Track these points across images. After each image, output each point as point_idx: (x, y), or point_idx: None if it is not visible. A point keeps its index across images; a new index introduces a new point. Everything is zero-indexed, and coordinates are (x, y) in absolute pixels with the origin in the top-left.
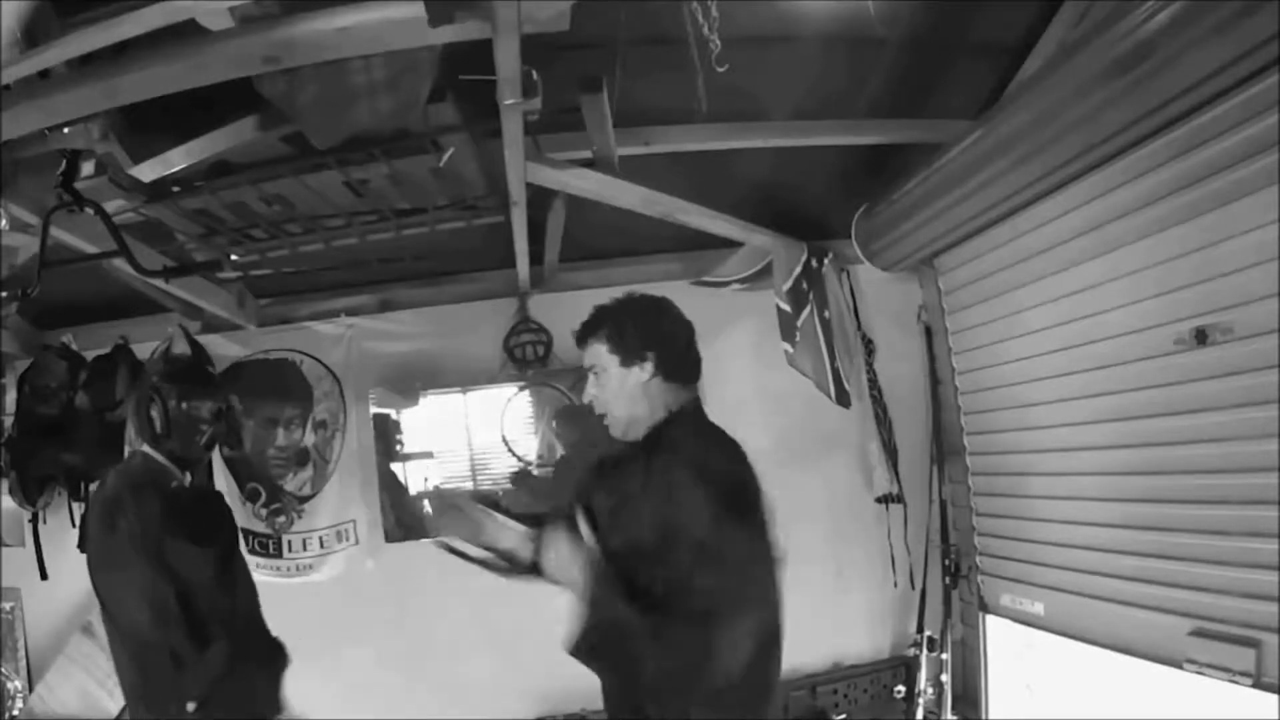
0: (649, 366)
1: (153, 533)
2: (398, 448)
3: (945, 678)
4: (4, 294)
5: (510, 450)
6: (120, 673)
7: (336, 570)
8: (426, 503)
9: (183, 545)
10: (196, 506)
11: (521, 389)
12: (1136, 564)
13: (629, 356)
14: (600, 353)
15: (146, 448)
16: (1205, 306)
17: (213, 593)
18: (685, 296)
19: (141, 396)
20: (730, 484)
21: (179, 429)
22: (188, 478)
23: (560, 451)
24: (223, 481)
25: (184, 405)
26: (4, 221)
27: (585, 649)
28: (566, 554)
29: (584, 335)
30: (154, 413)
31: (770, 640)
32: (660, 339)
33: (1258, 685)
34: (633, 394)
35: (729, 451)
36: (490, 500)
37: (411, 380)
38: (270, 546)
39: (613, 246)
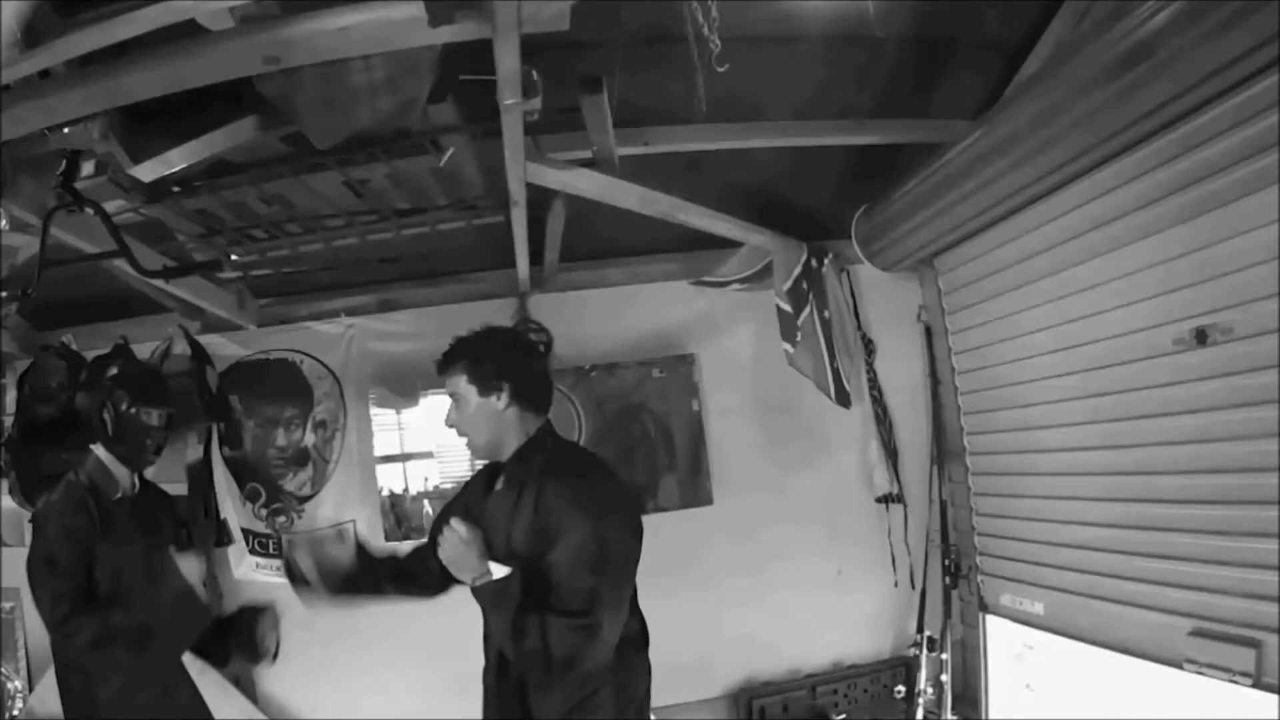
0: (504, 396)
1: (83, 549)
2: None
3: (945, 678)
4: (4, 294)
5: None
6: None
7: None
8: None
9: (113, 557)
10: (132, 521)
11: None
12: (1136, 564)
13: (486, 386)
14: (459, 382)
15: (99, 449)
16: (1205, 306)
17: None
18: (685, 296)
19: (94, 399)
20: (597, 493)
21: (128, 434)
22: (136, 481)
23: None
24: (223, 482)
25: (133, 411)
26: (4, 221)
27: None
28: (461, 543)
29: (444, 365)
30: (105, 416)
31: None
32: (516, 370)
33: (1258, 685)
34: (490, 421)
35: (588, 464)
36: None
37: (411, 380)
38: (270, 546)
39: (613, 247)
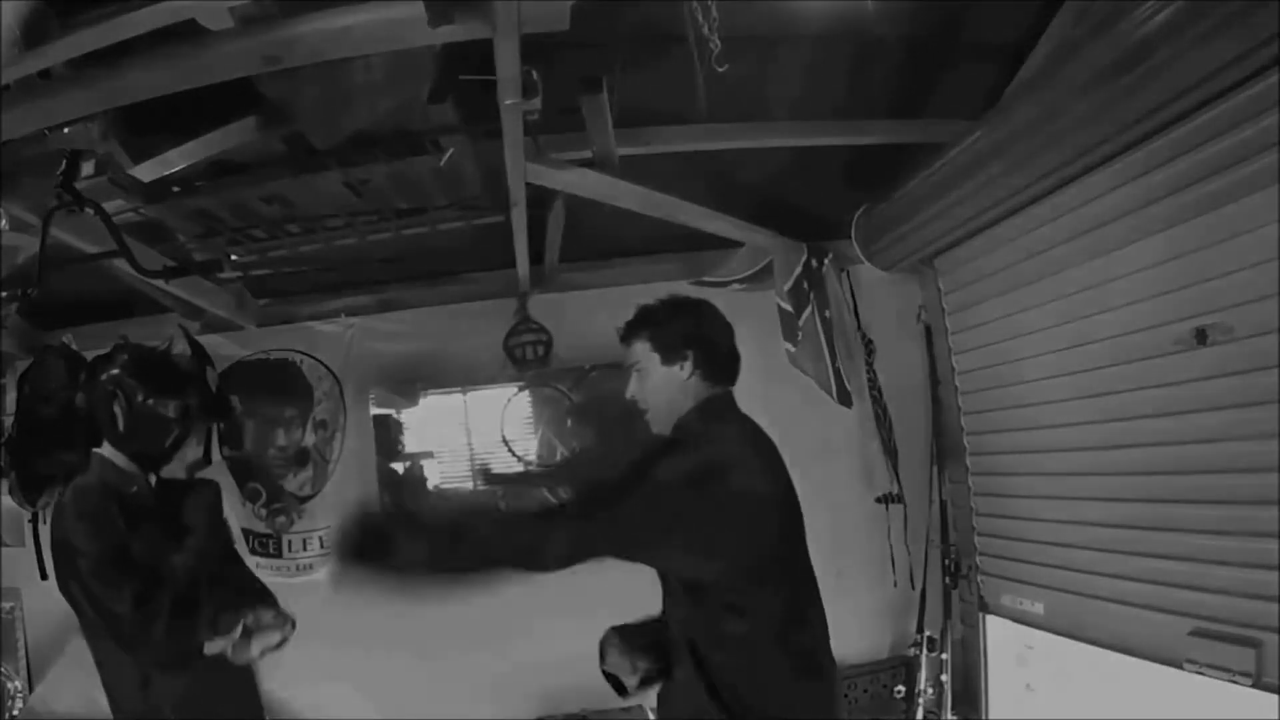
0: (688, 365)
1: (115, 532)
2: (399, 447)
3: (945, 678)
4: (4, 294)
5: (510, 450)
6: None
7: (336, 569)
8: None
9: (150, 544)
10: (159, 510)
11: (521, 389)
12: (1136, 564)
13: (670, 355)
14: (643, 351)
15: (106, 449)
16: (1205, 306)
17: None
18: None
19: (102, 392)
20: (751, 468)
21: (142, 429)
22: (153, 478)
23: (561, 451)
24: (223, 482)
25: (149, 402)
26: (4, 221)
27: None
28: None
29: (628, 334)
30: (116, 409)
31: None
32: (700, 339)
33: (1258, 685)
34: (673, 391)
35: (753, 439)
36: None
37: (411, 380)
38: (270, 546)
39: (613, 247)
